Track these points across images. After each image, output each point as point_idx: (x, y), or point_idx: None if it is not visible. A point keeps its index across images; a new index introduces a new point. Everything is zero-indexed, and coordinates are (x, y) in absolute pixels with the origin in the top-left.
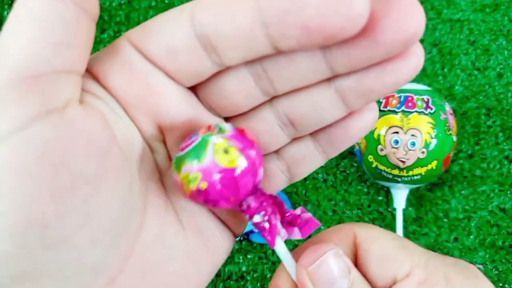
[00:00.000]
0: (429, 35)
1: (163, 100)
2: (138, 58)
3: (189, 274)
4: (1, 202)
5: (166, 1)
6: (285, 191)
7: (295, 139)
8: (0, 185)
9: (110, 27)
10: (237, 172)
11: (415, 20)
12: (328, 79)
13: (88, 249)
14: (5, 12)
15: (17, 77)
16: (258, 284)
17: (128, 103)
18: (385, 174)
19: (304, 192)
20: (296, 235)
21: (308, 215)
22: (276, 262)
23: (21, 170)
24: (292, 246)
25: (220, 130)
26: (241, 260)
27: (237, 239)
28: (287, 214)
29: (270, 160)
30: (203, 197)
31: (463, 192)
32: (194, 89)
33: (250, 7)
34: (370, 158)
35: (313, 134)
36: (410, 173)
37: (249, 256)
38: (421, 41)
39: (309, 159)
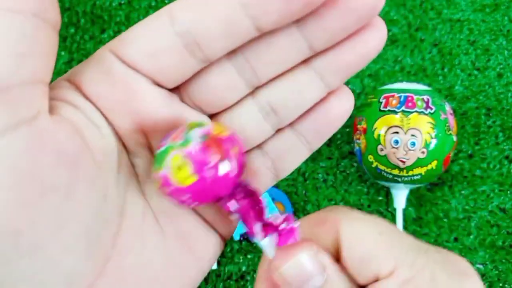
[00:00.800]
0: (429, 35)
1: (145, 104)
2: (119, 65)
3: (171, 280)
4: None
5: (166, 1)
6: (285, 191)
7: (277, 132)
8: None
9: (110, 27)
10: (186, 190)
11: None
12: (306, 62)
13: (62, 256)
14: None
15: None
16: None
17: (110, 110)
18: (385, 174)
19: (304, 192)
20: (272, 242)
21: (290, 226)
22: None
23: None
24: None
25: (184, 142)
26: (241, 260)
27: (237, 239)
28: (265, 218)
29: (255, 158)
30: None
31: (463, 192)
32: (178, 88)
33: None
34: (370, 158)
35: (295, 125)
36: (410, 173)
37: (249, 256)
38: (421, 41)
39: (293, 152)
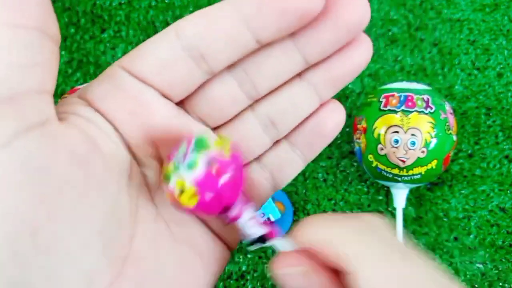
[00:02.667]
0: (429, 34)
1: (155, 116)
2: (130, 79)
3: (184, 283)
4: None
5: (166, 1)
6: (285, 190)
7: (275, 144)
8: None
9: (110, 27)
10: (190, 209)
11: (358, 6)
12: (300, 75)
13: (81, 252)
14: None
15: None
16: (258, 284)
17: (121, 122)
18: (385, 173)
19: (304, 191)
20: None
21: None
22: None
23: (7, 178)
24: None
25: (190, 165)
26: (241, 260)
27: None
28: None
29: (254, 170)
30: (226, 186)
31: (463, 191)
32: (182, 102)
33: (230, 9)
34: (370, 157)
35: (290, 137)
36: (410, 172)
37: (249, 256)
38: (421, 40)
39: (290, 163)
